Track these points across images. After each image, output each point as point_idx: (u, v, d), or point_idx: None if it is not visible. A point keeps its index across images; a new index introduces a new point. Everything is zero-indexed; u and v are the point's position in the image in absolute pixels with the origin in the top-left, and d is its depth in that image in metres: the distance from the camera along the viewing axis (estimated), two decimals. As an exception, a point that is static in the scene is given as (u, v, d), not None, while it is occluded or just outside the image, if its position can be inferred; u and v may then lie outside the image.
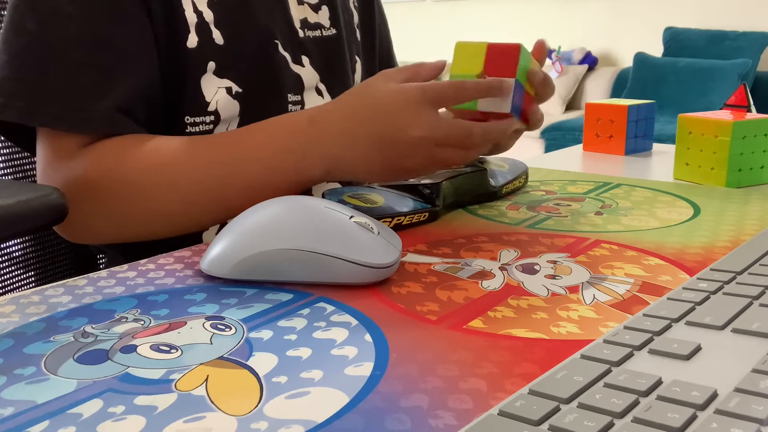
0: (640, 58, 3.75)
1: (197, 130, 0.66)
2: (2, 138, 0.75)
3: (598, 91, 4.00)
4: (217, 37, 0.66)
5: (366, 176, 0.60)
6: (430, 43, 4.53)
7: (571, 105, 4.09)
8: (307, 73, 0.73)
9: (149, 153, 0.61)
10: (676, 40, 3.76)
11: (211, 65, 0.66)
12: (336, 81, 0.76)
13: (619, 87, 3.91)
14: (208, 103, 0.66)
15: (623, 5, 4.03)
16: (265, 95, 0.70)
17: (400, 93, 0.57)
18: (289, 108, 0.72)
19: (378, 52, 0.89)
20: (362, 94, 0.60)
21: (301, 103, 0.73)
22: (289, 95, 0.72)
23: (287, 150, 0.60)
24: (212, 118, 0.66)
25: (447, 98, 0.58)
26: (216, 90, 0.66)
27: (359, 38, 0.84)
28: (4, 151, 0.76)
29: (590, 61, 4.11)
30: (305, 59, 0.73)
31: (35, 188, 0.54)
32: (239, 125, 0.68)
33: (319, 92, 0.75)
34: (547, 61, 4.17)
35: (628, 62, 3.96)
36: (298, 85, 0.73)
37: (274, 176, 0.60)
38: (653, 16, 3.91)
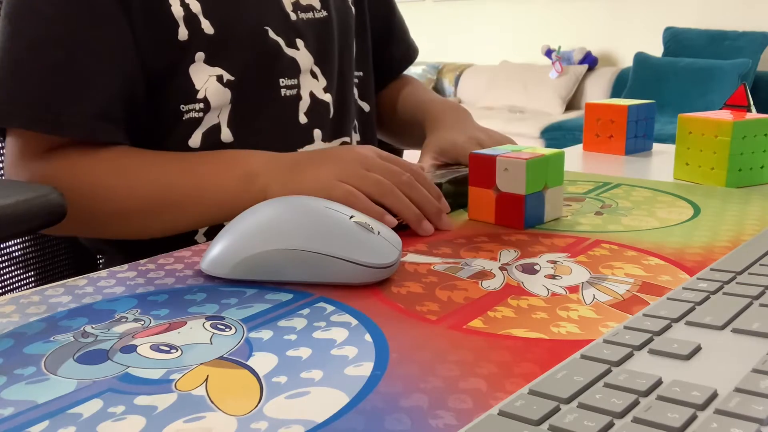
0: (640, 58, 3.75)
1: (188, 117, 0.67)
2: (2, 138, 0.75)
3: (598, 91, 3.99)
4: (207, 26, 0.66)
5: (297, 183, 0.59)
6: (430, 43, 4.53)
7: (571, 105, 4.09)
8: (302, 56, 0.73)
9: (115, 162, 0.63)
10: (676, 40, 3.76)
11: (200, 55, 0.66)
12: (329, 63, 0.77)
13: (619, 87, 3.90)
14: (197, 91, 0.66)
15: (623, 5, 4.02)
16: (257, 82, 0.70)
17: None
18: (283, 93, 0.72)
19: (372, 27, 0.89)
20: None
21: (297, 86, 0.73)
22: (282, 80, 0.72)
23: (238, 163, 0.63)
24: (201, 105, 0.67)
25: (387, 158, 0.60)
26: (207, 78, 0.67)
27: (354, 18, 0.84)
28: (4, 151, 0.76)
29: (590, 61, 4.10)
30: (300, 42, 0.73)
31: (34, 188, 0.54)
32: (231, 113, 0.69)
33: (314, 75, 0.75)
34: (546, 62, 4.17)
35: (628, 62, 3.96)
36: (294, 69, 0.73)
37: (223, 183, 0.62)
38: (653, 16, 3.91)
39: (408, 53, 0.96)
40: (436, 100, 0.89)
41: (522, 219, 0.58)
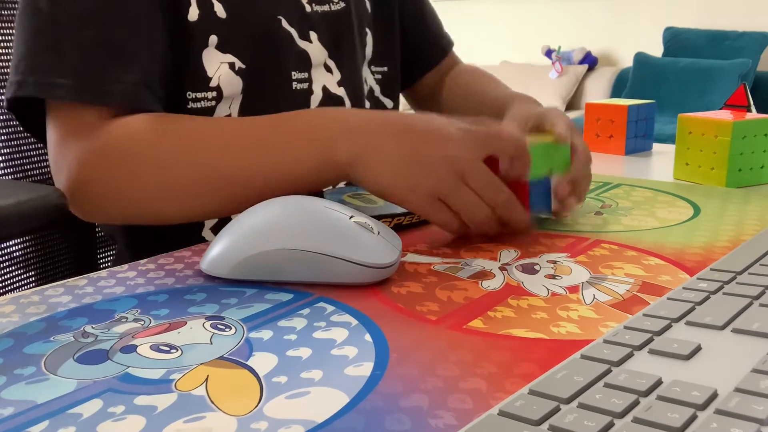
0: (640, 58, 3.75)
1: (198, 106, 0.66)
2: (2, 138, 0.75)
3: (598, 91, 3.99)
4: (219, 10, 0.66)
5: (386, 177, 0.55)
6: (430, 43, 4.53)
7: (571, 105, 4.09)
8: (315, 49, 0.72)
9: (175, 127, 0.60)
10: (676, 40, 3.76)
11: (213, 39, 0.65)
12: (345, 57, 0.75)
13: (619, 87, 3.90)
14: (210, 78, 0.66)
15: (623, 5, 4.02)
16: (268, 72, 0.69)
17: (448, 118, 0.56)
18: (294, 86, 0.71)
19: (402, 16, 0.87)
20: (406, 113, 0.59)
21: (309, 80, 0.72)
22: (294, 73, 0.71)
23: (316, 130, 0.58)
24: (214, 94, 0.66)
25: (488, 144, 0.55)
26: (218, 65, 0.66)
27: (369, 10, 0.82)
28: (4, 151, 0.76)
29: (590, 61, 4.10)
30: (313, 35, 0.72)
31: (35, 188, 0.54)
32: (242, 103, 0.68)
33: (327, 69, 0.74)
34: (546, 62, 4.17)
35: (628, 62, 3.96)
36: (306, 62, 0.72)
37: (299, 153, 0.57)
38: (653, 16, 3.91)
39: (441, 44, 0.93)
40: (516, 96, 0.84)
41: (527, 205, 0.56)
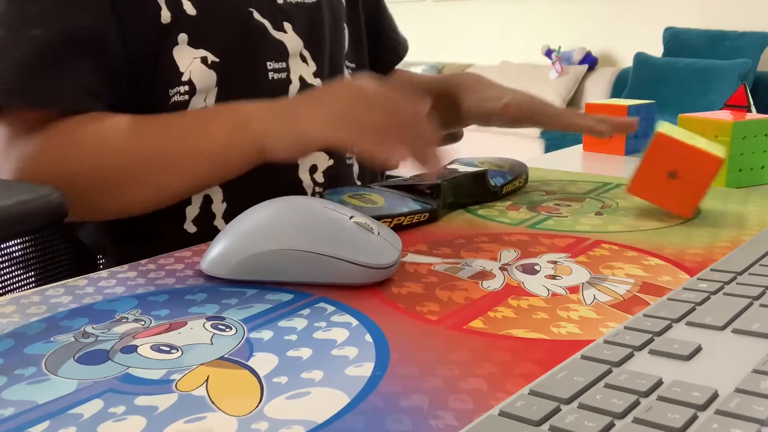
0: (640, 58, 3.75)
1: (174, 101, 0.67)
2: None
3: (598, 91, 3.99)
4: (189, 8, 0.66)
5: (309, 120, 0.59)
6: (430, 43, 4.53)
7: (571, 105, 4.09)
8: (291, 39, 0.73)
9: (102, 126, 0.62)
10: (676, 40, 3.76)
11: (183, 37, 0.66)
12: (319, 48, 0.76)
13: (619, 87, 3.90)
14: (182, 73, 0.66)
15: (623, 5, 4.02)
16: (243, 64, 0.70)
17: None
18: (271, 76, 0.71)
19: (364, 15, 0.89)
20: None
21: (286, 70, 0.73)
22: (270, 63, 0.71)
23: (228, 113, 0.62)
24: (187, 88, 0.67)
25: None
26: (191, 60, 0.67)
27: (344, 5, 0.83)
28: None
29: (590, 61, 4.10)
30: (287, 25, 0.73)
31: (35, 189, 0.54)
32: (217, 95, 0.69)
33: (303, 59, 0.74)
34: (546, 62, 4.17)
35: (628, 62, 3.96)
36: (282, 52, 0.72)
37: (211, 129, 0.61)
38: (653, 16, 3.91)
39: (398, 49, 0.96)
40: (440, 76, 0.90)
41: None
